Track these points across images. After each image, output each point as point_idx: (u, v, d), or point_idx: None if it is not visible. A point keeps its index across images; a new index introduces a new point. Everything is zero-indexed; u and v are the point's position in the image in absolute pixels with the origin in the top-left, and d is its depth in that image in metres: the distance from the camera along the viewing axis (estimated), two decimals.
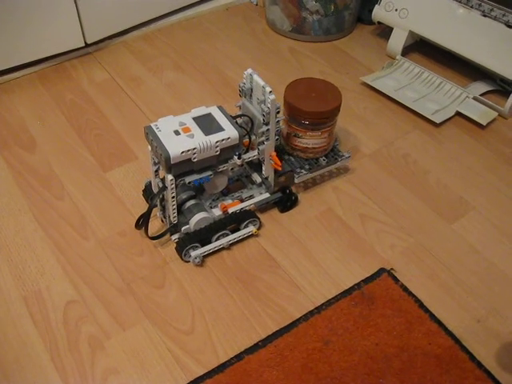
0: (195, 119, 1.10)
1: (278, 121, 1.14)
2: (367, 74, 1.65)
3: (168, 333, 1.04)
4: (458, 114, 1.52)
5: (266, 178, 1.23)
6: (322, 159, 1.28)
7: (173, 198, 1.10)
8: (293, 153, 1.29)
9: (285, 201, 1.26)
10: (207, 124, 1.09)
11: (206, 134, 1.06)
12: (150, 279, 1.13)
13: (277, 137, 1.17)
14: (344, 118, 1.50)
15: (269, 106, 1.10)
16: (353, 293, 1.09)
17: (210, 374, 0.97)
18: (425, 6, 1.62)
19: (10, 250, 1.17)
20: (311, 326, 1.04)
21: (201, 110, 1.13)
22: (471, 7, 1.56)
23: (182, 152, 1.03)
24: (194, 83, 1.63)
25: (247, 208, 1.21)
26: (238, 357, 1.00)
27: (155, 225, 1.23)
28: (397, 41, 1.70)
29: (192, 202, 1.16)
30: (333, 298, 1.08)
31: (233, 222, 1.18)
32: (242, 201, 1.22)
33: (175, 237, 1.17)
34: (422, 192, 1.31)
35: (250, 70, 1.13)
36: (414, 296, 1.09)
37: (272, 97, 1.08)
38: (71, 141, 1.43)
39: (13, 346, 1.02)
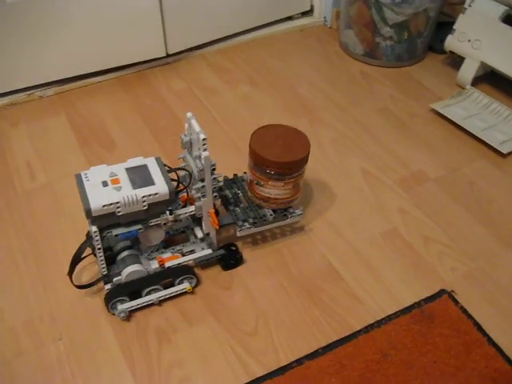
0: (128, 170, 1.07)
1: (214, 178, 1.09)
2: (436, 101, 1.67)
3: (232, 332, 1.09)
4: None
5: (208, 234, 1.18)
6: (268, 214, 1.21)
7: (99, 249, 1.06)
8: (256, 201, 1.22)
9: (228, 259, 1.20)
10: (139, 176, 1.05)
11: (133, 188, 1.03)
12: (218, 280, 1.18)
13: (215, 194, 1.13)
14: (412, 143, 1.54)
15: (203, 162, 1.06)
16: (413, 310, 1.12)
17: (270, 376, 1.01)
18: (499, 39, 1.63)
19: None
20: (371, 338, 1.07)
21: (137, 161, 1.09)
22: None
23: (104, 205, 1.00)
24: (267, 98, 1.69)
25: (186, 263, 1.16)
26: (299, 361, 1.04)
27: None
28: (467, 71, 1.72)
29: (127, 252, 1.11)
30: (393, 314, 1.11)
31: (167, 277, 1.13)
32: (183, 255, 1.17)
33: (108, 286, 1.11)
34: (485, 219, 1.32)
35: (189, 114, 1.09)
36: (472, 319, 1.10)
37: (205, 153, 1.04)
38: (148, 144, 1.51)
39: (85, 330, 1.09)
